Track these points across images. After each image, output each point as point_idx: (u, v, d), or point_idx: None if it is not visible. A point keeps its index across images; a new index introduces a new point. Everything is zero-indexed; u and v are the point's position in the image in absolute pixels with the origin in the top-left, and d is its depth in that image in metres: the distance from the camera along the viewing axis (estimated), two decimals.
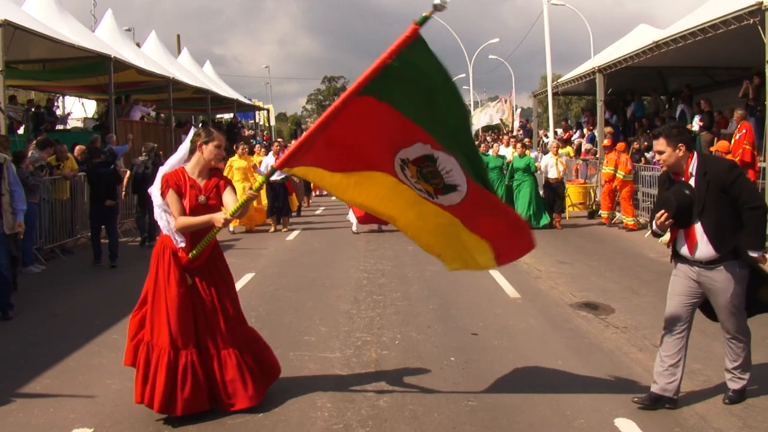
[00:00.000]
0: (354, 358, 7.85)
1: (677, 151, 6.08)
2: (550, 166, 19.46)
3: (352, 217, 18.33)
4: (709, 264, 6.06)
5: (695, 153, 6.16)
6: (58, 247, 15.31)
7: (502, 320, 9.43)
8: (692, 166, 6.10)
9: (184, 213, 6.11)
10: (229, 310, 6.30)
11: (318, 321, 9.44)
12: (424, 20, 5.12)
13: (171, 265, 6.15)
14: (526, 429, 5.94)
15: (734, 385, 6.37)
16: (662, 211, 6.04)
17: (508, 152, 21.88)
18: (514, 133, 39.03)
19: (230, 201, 6.17)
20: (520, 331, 8.92)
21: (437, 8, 5.03)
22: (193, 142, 6.30)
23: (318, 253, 15.42)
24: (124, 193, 17.09)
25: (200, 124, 35.72)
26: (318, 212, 25.00)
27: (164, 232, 6.29)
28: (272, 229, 19.41)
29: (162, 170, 6.36)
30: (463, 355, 7.92)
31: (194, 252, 6.11)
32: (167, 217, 6.21)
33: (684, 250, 6.18)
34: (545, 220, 18.88)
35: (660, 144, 6.15)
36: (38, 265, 13.76)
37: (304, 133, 5.89)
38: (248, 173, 18.90)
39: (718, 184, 5.95)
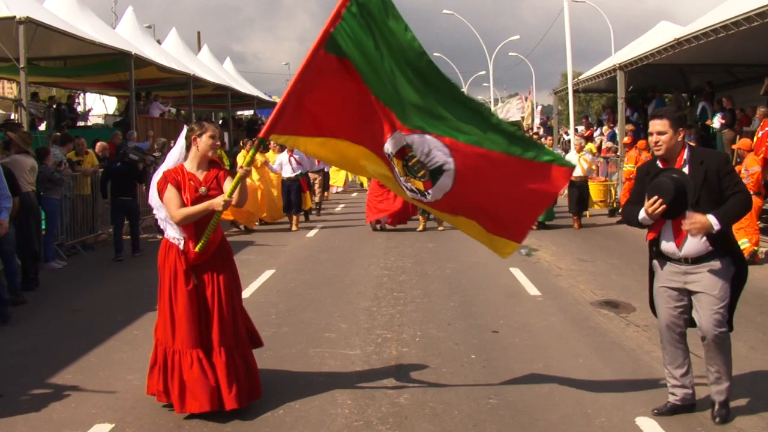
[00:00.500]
0: (374, 355, 7.85)
1: (677, 135, 5.79)
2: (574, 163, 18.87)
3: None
4: (696, 261, 5.77)
5: (687, 144, 5.92)
6: (79, 243, 15.39)
7: (523, 318, 9.40)
8: (686, 154, 5.83)
9: (184, 206, 6.11)
10: (225, 309, 6.21)
11: (338, 318, 9.44)
12: None
13: (177, 264, 6.18)
14: (546, 427, 5.91)
15: (719, 397, 5.95)
16: (656, 196, 5.68)
17: None
18: (534, 131, 38.91)
19: (227, 189, 6.16)
20: (540, 329, 8.90)
21: None
22: (187, 138, 6.31)
23: (338, 250, 15.43)
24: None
25: (220, 121, 35.92)
26: (338, 209, 25.03)
27: (170, 240, 6.32)
28: (294, 227, 18.99)
29: (156, 175, 6.38)
30: (484, 352, 7.91)
31: (201, 243, 6.09)
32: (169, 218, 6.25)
33: (669, 246, 5.87)
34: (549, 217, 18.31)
35: (662, 124, 5.79)
36: (59, 260, 13.84)
37: (282, 96, 5.93)
38: (258, 168, 18.81)
39: (715, 172, 5.69)
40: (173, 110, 32.01)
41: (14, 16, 15.07)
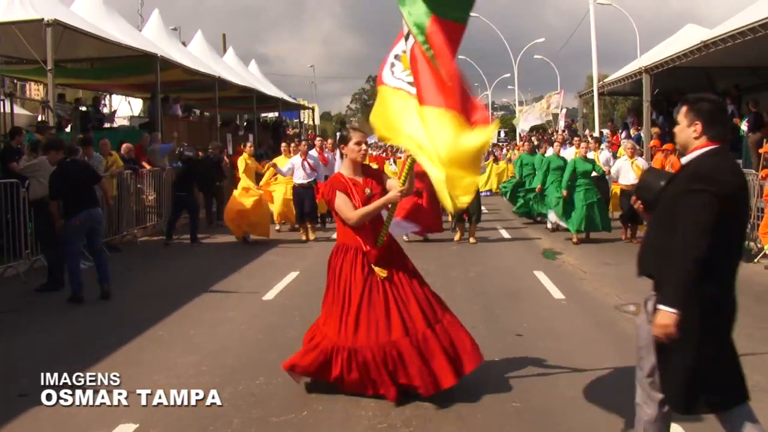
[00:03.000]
0: None
1: (691, 128, 4.47)
2: (625, 171, 17.04)
3: None
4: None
5: (710, 147, 4.43)
6: (104, 243, 15.44)
7: (547, 322, 9.38)
8: (691, 155, 4.49)
9: (356, 208, 6.49)
10: (419, 294, 6.74)
11: None
12: None
13: (359, 264, 6.56)
14: None
15: None
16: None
17: (570, 152, 19.62)
18: (560, 133, 38.79)
19: (394, 184, 6.57)
20: (565, 333, 8.87)
21: None
22: (338, 147, 6.80)
23: None
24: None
25: (244, 123, 36.04)
26: None
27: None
28: (304, 237, 17.35)
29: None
30: (508, 356, 7.89)
31: (381, 237, 6.59)
32: None
33: None
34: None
35: (680, 113, 4.55)
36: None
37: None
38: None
39: (675, 186, 4.45)
40: (197, 112, 32.11)
41: (42, 19, 15.27)
